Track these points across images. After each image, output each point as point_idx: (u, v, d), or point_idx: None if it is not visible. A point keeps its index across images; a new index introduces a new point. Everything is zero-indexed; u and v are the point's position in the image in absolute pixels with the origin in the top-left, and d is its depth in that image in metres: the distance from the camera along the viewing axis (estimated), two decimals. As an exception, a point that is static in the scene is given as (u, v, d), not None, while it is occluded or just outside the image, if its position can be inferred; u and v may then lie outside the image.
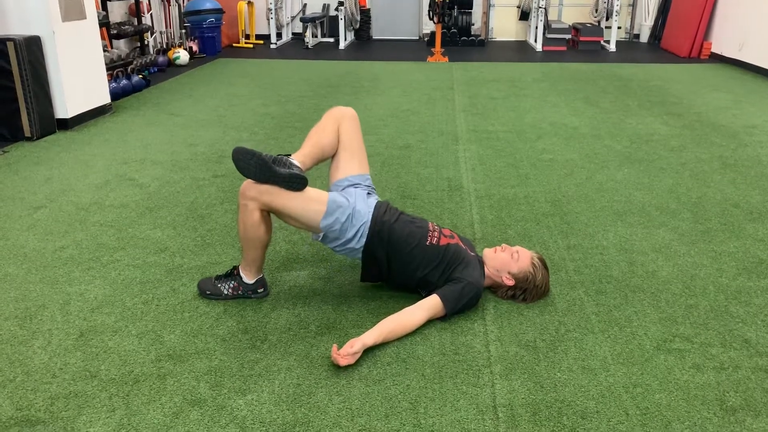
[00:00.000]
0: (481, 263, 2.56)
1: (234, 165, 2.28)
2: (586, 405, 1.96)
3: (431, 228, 2.54)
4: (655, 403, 1.97)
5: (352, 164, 2.64)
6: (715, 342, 2.29)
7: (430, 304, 2.36)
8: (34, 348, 2.25)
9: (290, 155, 2.45)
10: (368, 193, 2.60)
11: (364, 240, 2.44)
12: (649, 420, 1.90)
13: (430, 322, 2.37)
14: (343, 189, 2.58)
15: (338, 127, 2.62)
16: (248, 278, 2.55)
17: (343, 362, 2.10)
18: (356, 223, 2.43)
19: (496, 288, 2.57)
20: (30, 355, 2.20)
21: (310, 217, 2.37)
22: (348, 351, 2.13)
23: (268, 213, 2.40)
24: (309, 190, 2.39)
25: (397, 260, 2.47)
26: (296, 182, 2.33)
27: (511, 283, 2.50)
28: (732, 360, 2.19)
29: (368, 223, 2.44)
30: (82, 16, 5.24)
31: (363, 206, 2.48)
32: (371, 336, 2.21)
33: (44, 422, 1.88)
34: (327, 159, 2.65)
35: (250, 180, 2.34)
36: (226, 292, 2.56)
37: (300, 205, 2.35)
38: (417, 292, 2.50)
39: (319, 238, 2.47)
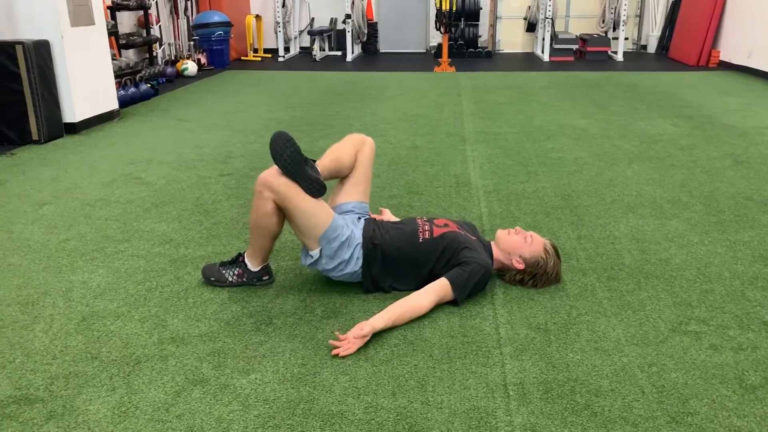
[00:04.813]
0: (486, 246, 2.51)
1: (270, 146, 2.25)
2: (599, 383, 1.90)
3: (420, 224, 2.51)
4: (672, 382, 1.90)
5: (356, 191, 2.63)
6: (732, 324, 2.22)
7: (438, 287, 2.31)
8: (35, 332, 2.21)
9: (315, 161, 2.43)
10: (359, 218, 2.57)
11: (360, 262, 2.41)
12: (666, 398, 1.83)
13: (437, 307, 2.32)
14: (341, 214, 2.55)
15: (357, 152, 2.62)
16: (253, 266, 2.51)
17: (348, 349, 2.05)
18: (351, 246, 2.40)
19: (504, 271, 2.51)
20: (31, 339, 2.16)
21: (315, 225, 2.33)
22: (358, 333, 2.08)
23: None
24: (322, 202, 2.37)
25: (397, 271, 2.43)
26: (318, 189, 2.32)
27: (521, 266, 2.45)
28: (750, 341, 2.12)
29: (361, 246, 2.41)
30: (90, 22, 5.28)
31: (356, 231, 2.46)
32: (381, 319, 2.16)
33: (43, 400, 1.84)
34: (339, 177, 2.63)
35: (273, 169, 2.31)
36: (230, 279, 2.52)
37: (311, 212, 2.32)
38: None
39: (313, 258, 2.40)
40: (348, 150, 2.59)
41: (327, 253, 2.37)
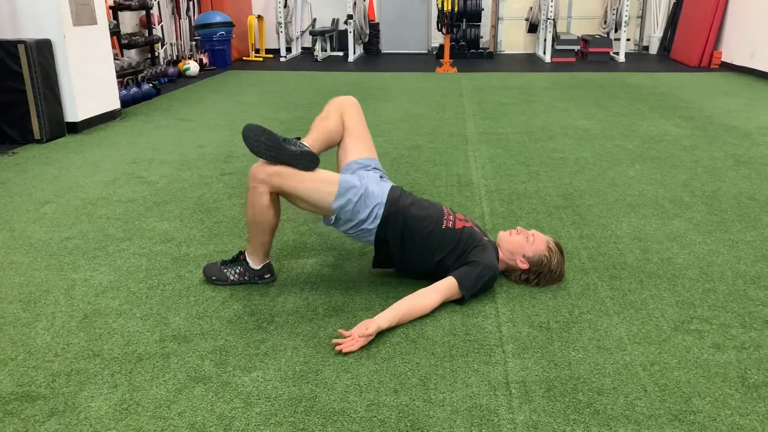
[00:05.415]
0: (495, 247, 2.50)
1: (244, 142, 2.25)
2: (602, 382, 1.89)
3: (446, 212, 2.49)
4: (674, 380, 1.90)
5: (359, 148, 2.59)
6: (734, 323, 2.22)
7: (446, 286, 2.30)
8: (36, 329, 2.21)
9: (299, 138, 2.42)
10: (381, 177, 2.55)
11: (378, 221, 2.37)
12: (669, 396, 1.83)
13: (440, 305, 2.31)
14: (354, 171, 2.53)
15: (341, 114, 2.58)
16: (255, 264, 2.50)
17: (352, 346, 2.04)
18: (369, 204, 2.36)
19: (509, 272, 2.51)
20: (33, 336, 2.16)
21: (321, 199, 2.31)
22: (362, 332, 2.07)
23: (277, 196, 2.36)
24: (320, 172, 2.35)
25: (412, 244, 2.40)
26: (308, 160, 2.29)
27: (525, 266, 2.44)
28: (753, 340, 2.11)
29: (383, 205, 2.37)
30: (93, 21, 5.28)
31: (376, 188, 2.41)
32: (385, 318, 2.15)
33: (45, 397, 1.84)
34: (334, 145, 2.60)
35: (260, 162, 2.31)
36: (232, 277, 2.52)
37: (311, 187, 2.30)
38: (432, 278, 2.40)
39: (331, 222, 2.41)
40: (332, 116, 2.56)
41: (344, 217, 2.35)
